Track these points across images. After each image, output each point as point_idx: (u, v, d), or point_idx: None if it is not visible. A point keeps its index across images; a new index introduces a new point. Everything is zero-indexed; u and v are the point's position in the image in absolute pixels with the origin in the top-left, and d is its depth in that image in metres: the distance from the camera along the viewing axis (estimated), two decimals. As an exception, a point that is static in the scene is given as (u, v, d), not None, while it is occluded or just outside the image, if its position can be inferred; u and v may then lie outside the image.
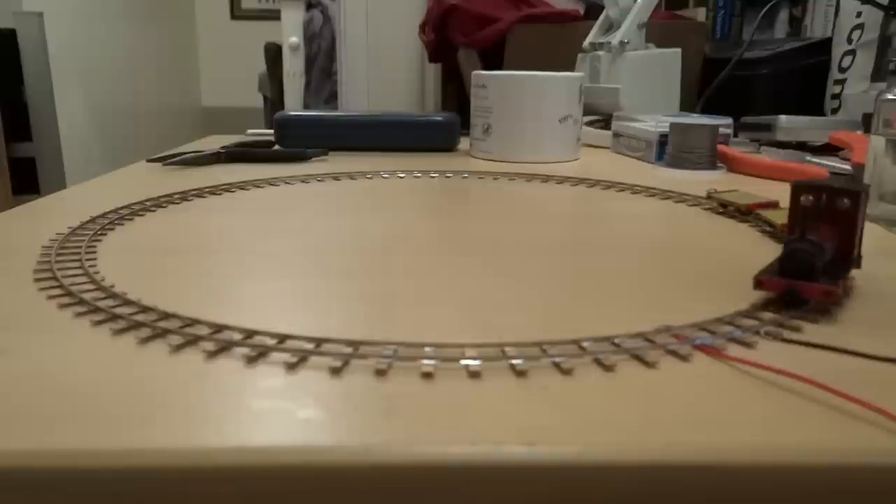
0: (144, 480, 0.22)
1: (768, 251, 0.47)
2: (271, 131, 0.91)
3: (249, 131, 1.05)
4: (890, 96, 0.54)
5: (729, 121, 0.90)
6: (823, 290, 0.33)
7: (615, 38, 1.01)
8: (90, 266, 0.40)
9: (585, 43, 1.06)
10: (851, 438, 0.24)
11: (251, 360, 0.29)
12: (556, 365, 0.29)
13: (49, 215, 0.53)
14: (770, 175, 0.74)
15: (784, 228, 0.46)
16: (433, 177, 0.73)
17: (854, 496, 0.23)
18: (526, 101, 0.84)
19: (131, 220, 0.53)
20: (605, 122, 1.01)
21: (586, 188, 0.69)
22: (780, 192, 0.67)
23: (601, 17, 1.06)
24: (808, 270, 0.34)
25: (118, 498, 0.22)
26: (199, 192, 0.62)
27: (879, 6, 0.96)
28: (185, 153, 0.78)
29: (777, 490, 0.23)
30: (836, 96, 1.08)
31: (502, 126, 0.84)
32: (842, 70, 1.07)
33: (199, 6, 4.19)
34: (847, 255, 0.37)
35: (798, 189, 0.37)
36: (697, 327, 0.32)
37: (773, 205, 0.54)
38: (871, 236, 0.52)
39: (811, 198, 0.37)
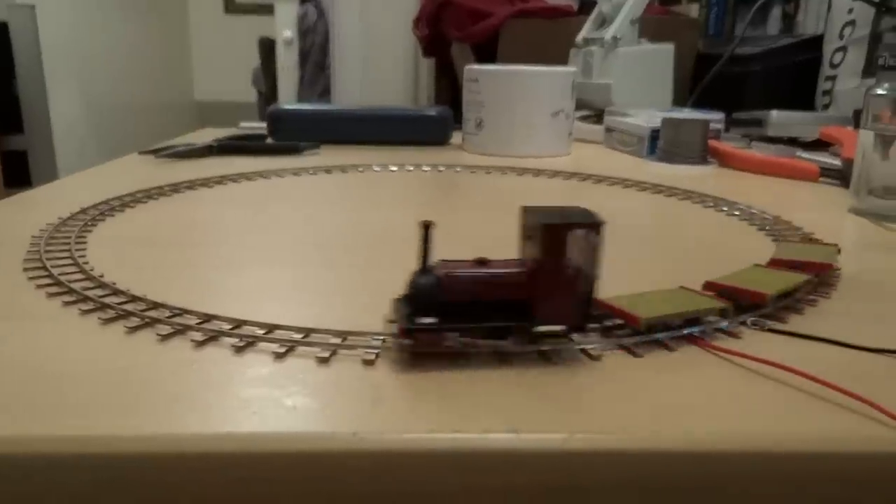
0: (133, 467, 0.22)
1: (759, 244, 0.48)
2: (264, 124, 0.91)
3: (242, 124, 1.05)
4: (879, 91, 0.55)
5: (721, 116, 0.91)
6: (400, 330, 0.28)
7: (608, 34, 1.01)
8: (80, 256, 0.40)
9: (578, 38, 1.06)
10: (834, 427, 0.24)
11: (239, 350, 0.29)
12: (543, 354, 0.29)
13: (40, 206, 0.53)
14: (761, 170, 0.75)
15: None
16: (425, 170, 0.73)
17: (837, 483, 0.24)
18: (518, 96, 0.84)
19: (122, 211, 0.53)
20: (597, 116, 1.01)
21: (578, 182, 0.69)
22: (772, 188, 0.68)
23: (594, 13, 1.06)
24: (417, 306, 0.28)
25: (107, 484, 0.22)
26: (191, 185, 0.62)
27: (870, 3, 0.97)
28: (177, 145, 0.78)
29: (761, 477, 0.23)
30: (827, 92, 1.08)
31: (494, 120, 0.85)
32: (833, 66, 1.07)
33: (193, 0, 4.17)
34: (527, 301, 0.29)
35: (522, 212, 0.31)
36: (684, 318, 0.33)
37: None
38: (859, 230, 0.53)
39: (525, 223, 0.31)
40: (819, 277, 0.37)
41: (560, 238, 0.28)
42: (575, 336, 0.30)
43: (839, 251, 0.42)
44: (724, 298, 0.33)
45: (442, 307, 0.28)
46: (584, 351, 0.29)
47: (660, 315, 0.31)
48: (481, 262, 0.29)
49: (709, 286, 0.35)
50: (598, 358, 0.29)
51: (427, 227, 0.28)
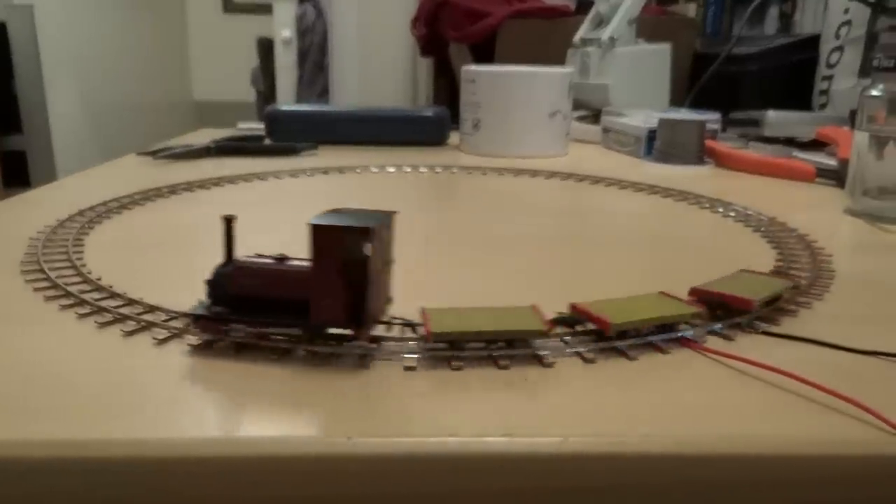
0: (129, 471, 0.23)
1: (754, 246, 0.48)
2: (262, 125, 0.91)
3: (240, 125, 1.05)
4: (874, 92, 0.55)
5: (717, 116, 0.91)
6: (188, 316, 0.30)
7: (605, 34, 1.01)
8: (77, 259, 0.41)
9: (576, 38, 1.06)
10: (826, 429, 0.25)
11: (236, 354, 0.29)
12: (538, 357, 0.29)
13: (38, 207, 0.53)
14: (757, 170, 0.75)
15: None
16: (422, 171, 0.74)
17: (828, 485, 0.24)
18: (515, 96, 0.84)
19: (119, 213, 0.53)
20: (594, 117, 1.01)
21: (574, 183, 0.69)
22: (769, 189, 0.68)
23: (591, 13, 1.06)
24: (211, 295, 0.30)
25: (104, 487, 0.23)
26: (189, 186, 0.62)
27: (866, 3, 0.97)
28: (175, 147, 0.78)
29: (752, 479, 0.23)
30: (823, 92, 1.09)
31: (491, 121, 0.85)
32: (829, 66, 1.07)
33: (191, -1, 4.17)
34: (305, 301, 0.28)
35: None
36: (679, 320, 0.33)
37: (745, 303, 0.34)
38: (854, 231, 0.53)
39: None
40: (731, 312, 0.33)
41: (326, 240, 0.28)
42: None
43: (793, 287, 0.37)
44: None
45: (235, 299, 0.29)
46: (578, 354, 0.30)
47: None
48: (279, 260, 0.30)
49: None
50: (592, 361, 0.29)
51: (229, 221, 0.29)
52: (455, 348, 0.29)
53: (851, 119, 0.85)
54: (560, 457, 0.23)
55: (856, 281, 0.41)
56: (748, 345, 0.31)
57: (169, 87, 3.92)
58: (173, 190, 0.60)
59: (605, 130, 0.94)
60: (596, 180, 0.70)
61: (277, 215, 0.54)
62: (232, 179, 0.66)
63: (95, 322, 0.32)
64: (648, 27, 1.09)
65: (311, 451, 0.23)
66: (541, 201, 0.62)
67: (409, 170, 0.74)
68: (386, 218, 0.30)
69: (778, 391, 0.27)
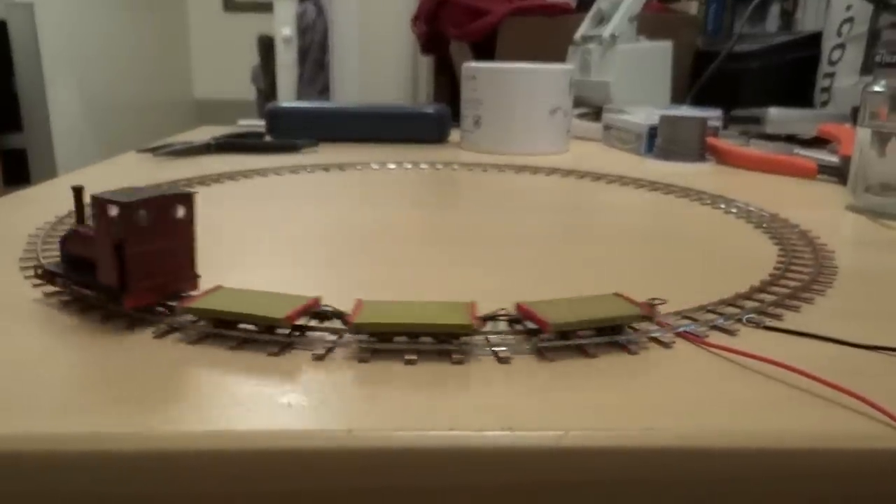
0: (130, 465, 0.23)
1: (756, 242, 0.48)
2: (263, 122, 0.91)
3: (241, 122, 1.05)
4: (876, 88, 0.55)
5: (718, 113, 0.90)
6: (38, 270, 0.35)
7: (606, 31, 1.01)
8: (77, 254, 0.40)
9: (577, 36, 1.06)
10: (829, 423, 0.24)
11: (234, 347, 0.29)
12: (539, 351, 0.29)
13: (37, 204, 0.53)
14: (759, 167, 0.75)
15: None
16: (423, 168, 0.73)
17: (831, 480, 0.24)
18: (516, 93, 0.84)
19: (119, 209, 0.53)
20: (595, 114, 1.01)
21: (575, 180, 0.69)
22: (770, 186, 0.68)
23: (592, 10, 1.06)
24: (62, 255, 0.34)
25: (106, 482, 0.23)
26: (189, 183, 0.62)
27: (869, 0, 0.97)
28: (175, 143, 0.78)
29: (753, 474, 0.23)
30: (825, 89, 1.08)
31: (492, 118, 0.85)
32: (831, 63, 1.07)
33: (192, -3, 4.17)
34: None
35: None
36: (680, 315, 0.33)
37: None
38: (856, 227, 0.53)
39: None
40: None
41: (100, 211, 0.30)
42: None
43: (644, 317, 0.31)
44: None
45: (72, 259, 0.33)
46: (579, 348, 0.29)
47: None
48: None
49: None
50: (593, 356, 0.29)
51: (77, 191, 0.34)
52: (226, 327, 0.30)
53: (854, 115, 0.84)
54: (560, 451, 0.23)
55: (858, 277, 0.40)
56: (751, 339, 0.31)
57: (169, 86, 3.92)
58: (173, 187, 0.60)
59: (606, 127, 0.94)
60: (597, 177, 0.70)
61: (278, 212, 0.54)
62: (232, 176, 0.66)
63: (95, 317, 0.32)
64: (649, 24, 1.09)
65: (310, 444, 0.23)
66: (541, 198, 0.62)
67: (409, 166, 0.74)
68: (176, 197, 0.32)
69: (780, 385, 0.27)
